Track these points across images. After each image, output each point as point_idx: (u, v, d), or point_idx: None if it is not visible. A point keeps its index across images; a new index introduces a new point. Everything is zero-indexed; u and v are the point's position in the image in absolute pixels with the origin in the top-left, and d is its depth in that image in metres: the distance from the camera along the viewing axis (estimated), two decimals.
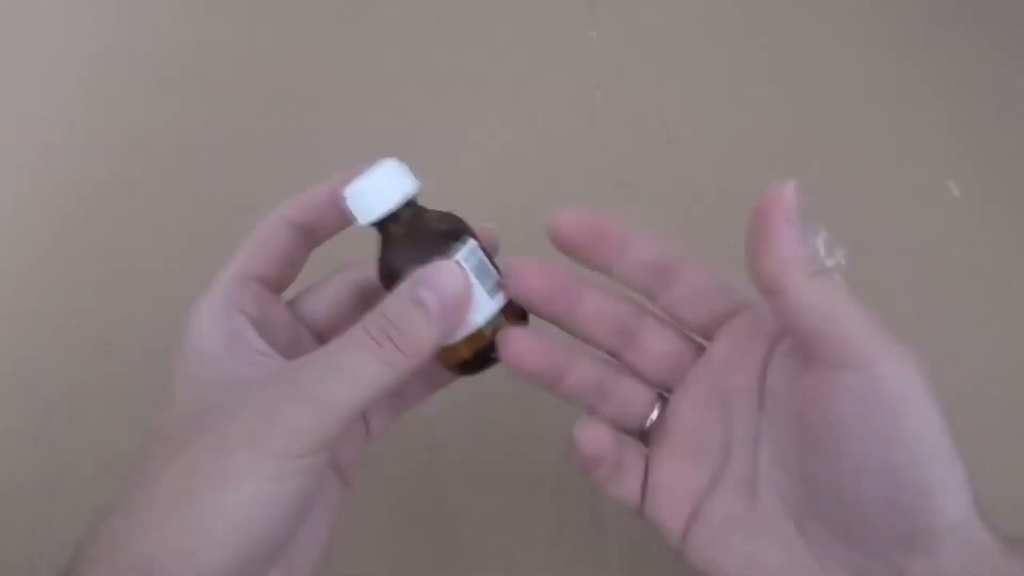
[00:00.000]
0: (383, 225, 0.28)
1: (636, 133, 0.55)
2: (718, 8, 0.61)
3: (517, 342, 0.28)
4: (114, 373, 0.45)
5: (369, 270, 0.30)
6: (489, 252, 0.29)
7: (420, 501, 0.42)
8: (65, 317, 0.47)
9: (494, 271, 0.29)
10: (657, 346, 0.30)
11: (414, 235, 0.28)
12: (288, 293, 0.32)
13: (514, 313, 0.29)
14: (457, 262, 0.27)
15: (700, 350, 0.30)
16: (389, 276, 0.28)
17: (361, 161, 0.29)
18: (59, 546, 0.40)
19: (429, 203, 0.31)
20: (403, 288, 0.27)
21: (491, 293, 0.28)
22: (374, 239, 0.29)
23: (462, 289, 0.27)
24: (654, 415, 0.30)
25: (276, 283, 0.31)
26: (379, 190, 0.28)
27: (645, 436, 0.31)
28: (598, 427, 0.28)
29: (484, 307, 0.28)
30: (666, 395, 0.30)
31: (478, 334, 0.28)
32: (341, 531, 0.42)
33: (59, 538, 0.41)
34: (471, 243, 0.28)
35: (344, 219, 0.30)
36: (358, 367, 0.25)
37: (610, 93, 0.56)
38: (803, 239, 0.24)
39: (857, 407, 0.24)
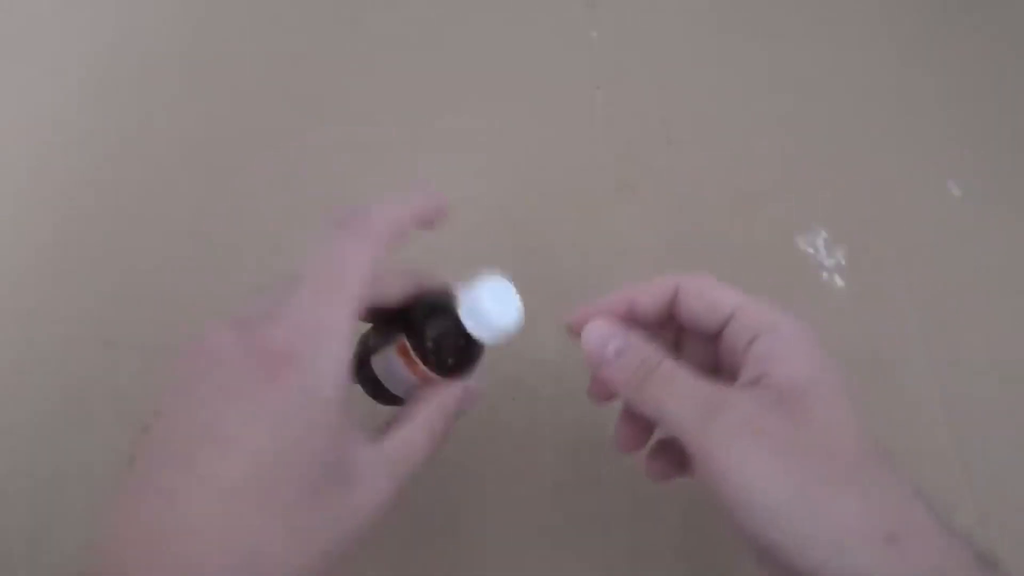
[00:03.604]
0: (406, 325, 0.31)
1: (636, 133, 0.55)
2: (718, 8, 0.61)
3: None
4: (115, 372, 0.45)
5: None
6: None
7: (420, 501, 0.42)
8: (65, 316, 0.47)
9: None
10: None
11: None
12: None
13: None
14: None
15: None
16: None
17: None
18: (59, 546, 0.40)
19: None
20: None
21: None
22: None
23: None
24: None
25: None
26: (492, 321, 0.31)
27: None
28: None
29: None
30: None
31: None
32: None
33: (59, 538, 0.41)
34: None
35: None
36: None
37: (610, 93, 0.56)
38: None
39: None
